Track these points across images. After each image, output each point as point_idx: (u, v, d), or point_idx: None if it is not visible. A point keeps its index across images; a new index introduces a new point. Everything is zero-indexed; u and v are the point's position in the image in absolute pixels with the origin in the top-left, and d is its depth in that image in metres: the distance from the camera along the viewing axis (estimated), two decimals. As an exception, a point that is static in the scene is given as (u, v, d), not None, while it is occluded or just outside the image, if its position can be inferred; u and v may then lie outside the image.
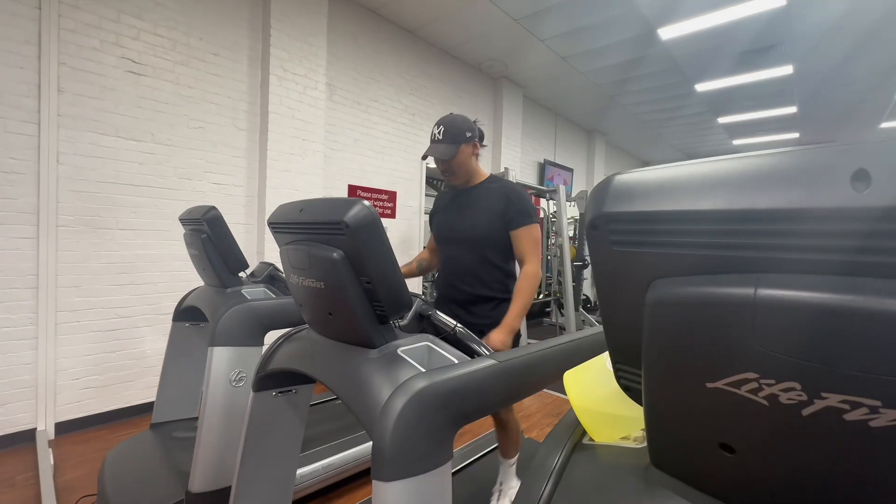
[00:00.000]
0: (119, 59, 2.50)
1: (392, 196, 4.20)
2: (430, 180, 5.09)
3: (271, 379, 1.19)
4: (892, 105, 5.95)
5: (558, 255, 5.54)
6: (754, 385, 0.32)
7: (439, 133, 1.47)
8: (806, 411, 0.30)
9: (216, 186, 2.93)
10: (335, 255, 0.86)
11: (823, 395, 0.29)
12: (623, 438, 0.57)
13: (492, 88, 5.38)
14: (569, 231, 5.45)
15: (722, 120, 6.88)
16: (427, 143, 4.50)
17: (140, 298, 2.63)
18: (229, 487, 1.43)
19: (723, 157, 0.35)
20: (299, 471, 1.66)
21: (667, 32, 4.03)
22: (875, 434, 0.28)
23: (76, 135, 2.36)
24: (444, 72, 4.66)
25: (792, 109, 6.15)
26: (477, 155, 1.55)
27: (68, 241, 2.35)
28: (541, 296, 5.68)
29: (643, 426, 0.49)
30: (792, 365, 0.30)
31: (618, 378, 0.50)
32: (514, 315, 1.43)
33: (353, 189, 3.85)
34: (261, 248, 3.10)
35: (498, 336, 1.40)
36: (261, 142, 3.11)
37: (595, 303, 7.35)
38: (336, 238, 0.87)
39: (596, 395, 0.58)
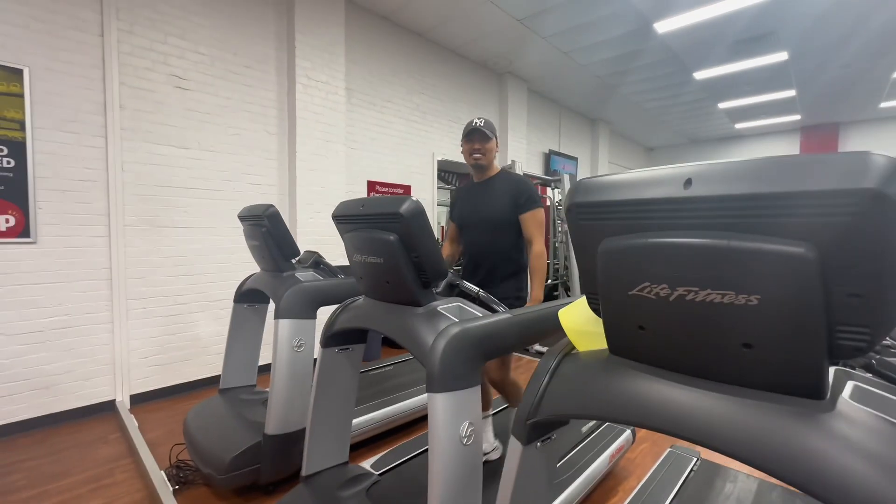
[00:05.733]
0: (168, 76, 2.82)
1: (407, 190, 4.50)
2: (441, 174, 5.38)
3: (334, 338, 1.53)
4: (890, 84, 6.07)
5: (564, 241, 5.82)
6: (649, 289, 0.63)
7: (481, 122, 1.83)
8: (671, 298, 0.61)
9: (252, 186, 3.26)
10: (392, 237, 1.18)
11: (678, 288, 0.60)
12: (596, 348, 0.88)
13: (497, 84, 5.63)
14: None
15: (722, 105, 7.04)
16: (437, 138, 4.79)
17: (193, 287, 2.98)
18: (296, 430, 1.79)
19: (638, 170, 0.66)
20: (354, 420, 2.00)
21: (662, 26, 4.25)
22: (700, 305, 0.58)
23: (136, 145, 2.70)
24: (451, 70, 4.92)
25: (791, 93, 6.30)
26: (497, 152, 1.90)
27: (134, 238, 2.71)
28: (549, 280, 5.97)
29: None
30: (663, 275, 0.61)
31: (589, 303, 0.81)
32: (537, 289, 1.79)
33: (371, 185, 4.16)
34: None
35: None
36: (289, 144, 3.43)
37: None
38: (392, 225, 1.18)
39: (579, 319, 0.89)
